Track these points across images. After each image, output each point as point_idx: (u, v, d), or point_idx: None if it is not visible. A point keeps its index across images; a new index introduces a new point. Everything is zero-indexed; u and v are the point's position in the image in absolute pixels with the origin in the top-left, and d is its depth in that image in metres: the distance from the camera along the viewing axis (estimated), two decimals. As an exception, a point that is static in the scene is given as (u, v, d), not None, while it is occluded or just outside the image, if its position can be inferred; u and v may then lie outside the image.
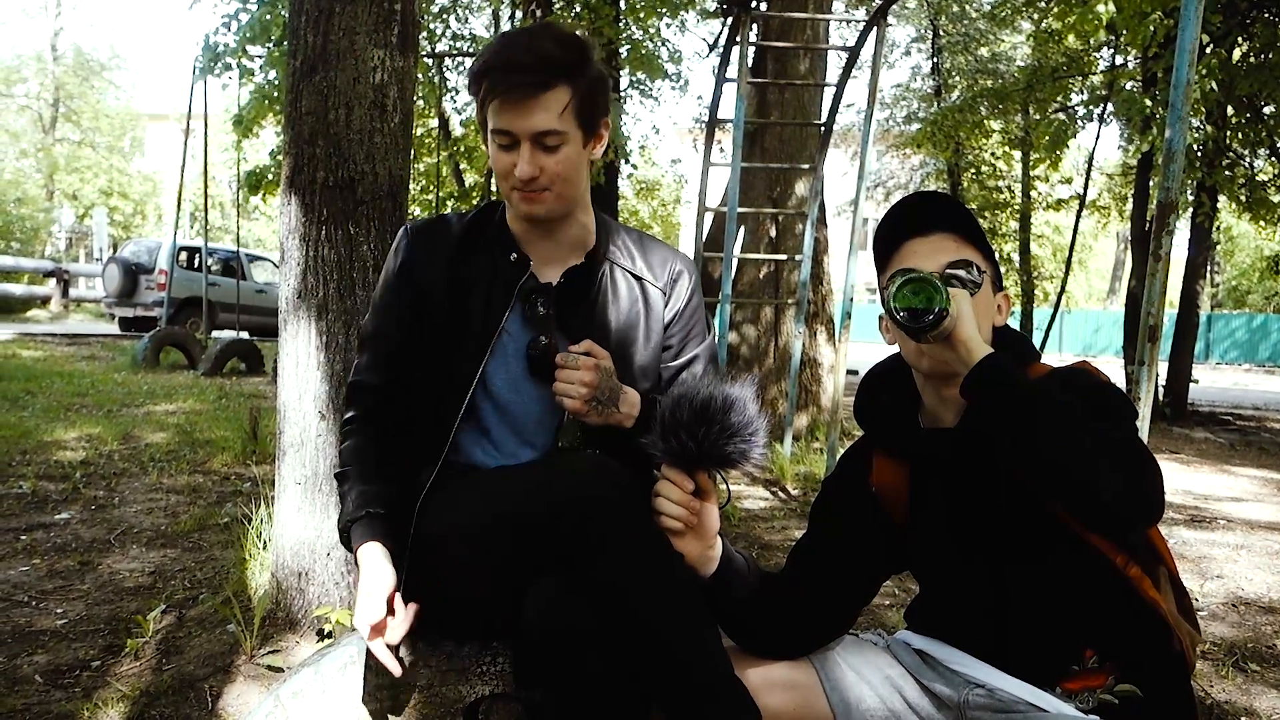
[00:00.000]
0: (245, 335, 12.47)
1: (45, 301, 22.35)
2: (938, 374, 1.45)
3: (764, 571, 1.66)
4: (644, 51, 12.03)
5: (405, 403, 1.70)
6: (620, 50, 10.86)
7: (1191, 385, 12.14)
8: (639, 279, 1.75)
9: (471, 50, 13.20)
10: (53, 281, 22.22)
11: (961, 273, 1.45)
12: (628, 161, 13.29)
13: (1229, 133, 10.99)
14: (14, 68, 35.69)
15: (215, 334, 13.67)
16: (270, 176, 10.76)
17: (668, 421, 1.40)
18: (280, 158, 10.39)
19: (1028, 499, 1.39)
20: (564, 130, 1.56)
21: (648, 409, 1.61)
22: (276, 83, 9.72)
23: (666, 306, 1.77)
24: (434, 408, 1.66)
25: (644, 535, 1.41)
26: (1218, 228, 18.72)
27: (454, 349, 1.66)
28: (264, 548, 3.09)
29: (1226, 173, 10.84)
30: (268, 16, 9.01)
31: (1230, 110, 10.78)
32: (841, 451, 5.72)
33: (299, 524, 2.76)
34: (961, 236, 1.48)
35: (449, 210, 13.32)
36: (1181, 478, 6.81)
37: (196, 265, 15.99)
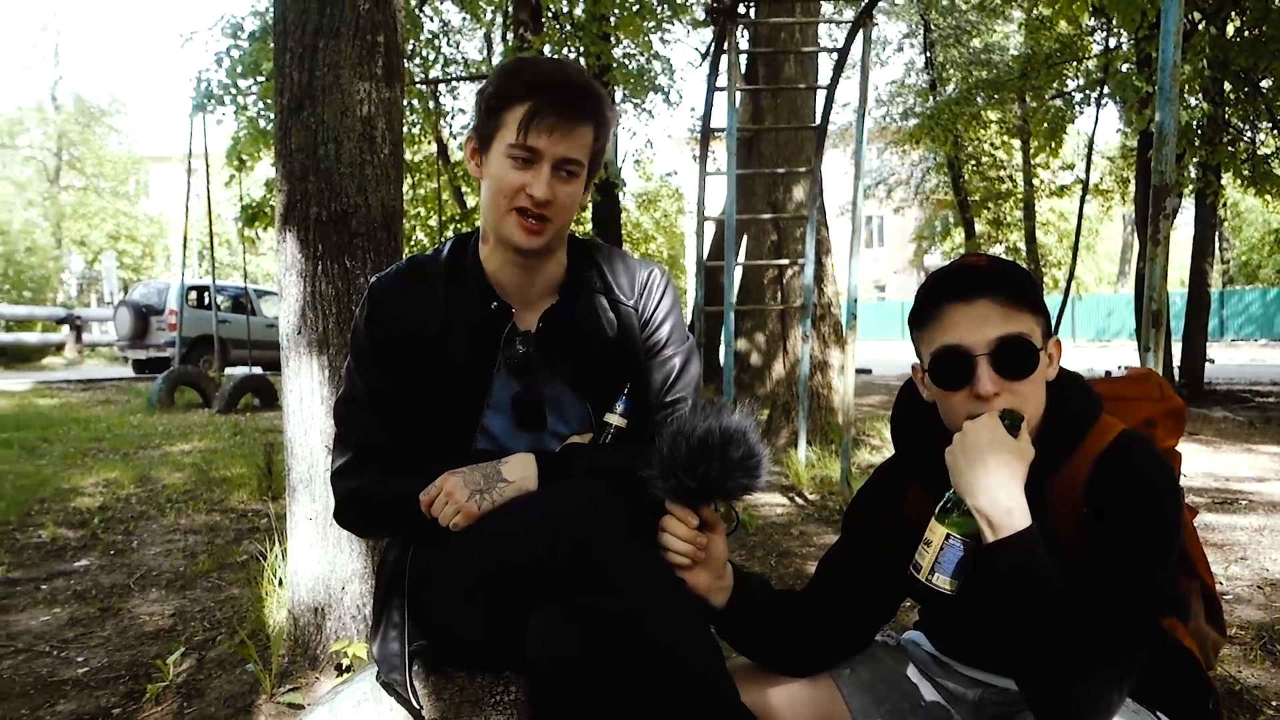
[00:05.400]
0: (258, 370, 12.53)
1: (60, 348, 22.53)
2: None
3: (781, 591, 1.64)
4: (630, 68, 12.08)
5: (412, 457, 1.65)
6: (610, 66, 10.90)
7: (1207, 364, 12.05)
8: (614, 302, 1.74)
9: (464, 75, 13.28)
10: (66, 328, 22.38)
11: (1006, 422, 1.35)
12: (619, 179, 13.29)
13: (1228, 109, 10.93)
14: (16, 119, 36.05)
15: (228, 371, 13.73)
16: (268, 211, 10.84)
17: (666, 460, 1.39)
18: (274, 191, 10.49)
19: (1056, 549, 1.34)
20: (583, 165, 1.58)
21: (644, 442, 1.56)
22: (271, 116, 9.82)
23: (639, 317, 1.75)
24: (437, 460, 1.61)
25: (643, 563, 1.40)
26: (1225, 204, 18.61)
27: (449, 405, 1.64)
28: (280, 585, 3.10)
29: (1229, 149, 10.78)
30: (258, 52, 9.10)
31: (1228, 86, 10.72)
32: (856, 456, 5.60)
33: (312, 559, 2.76)
34: (1007, 300, 1.37)
35: (450, 234, 13.37)
36: (1203, 459, 6.75)
37: (206, 303, 16.09)
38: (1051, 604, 1.24)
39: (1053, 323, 1.46)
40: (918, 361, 1.49)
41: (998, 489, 1.29)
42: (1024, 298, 1.37)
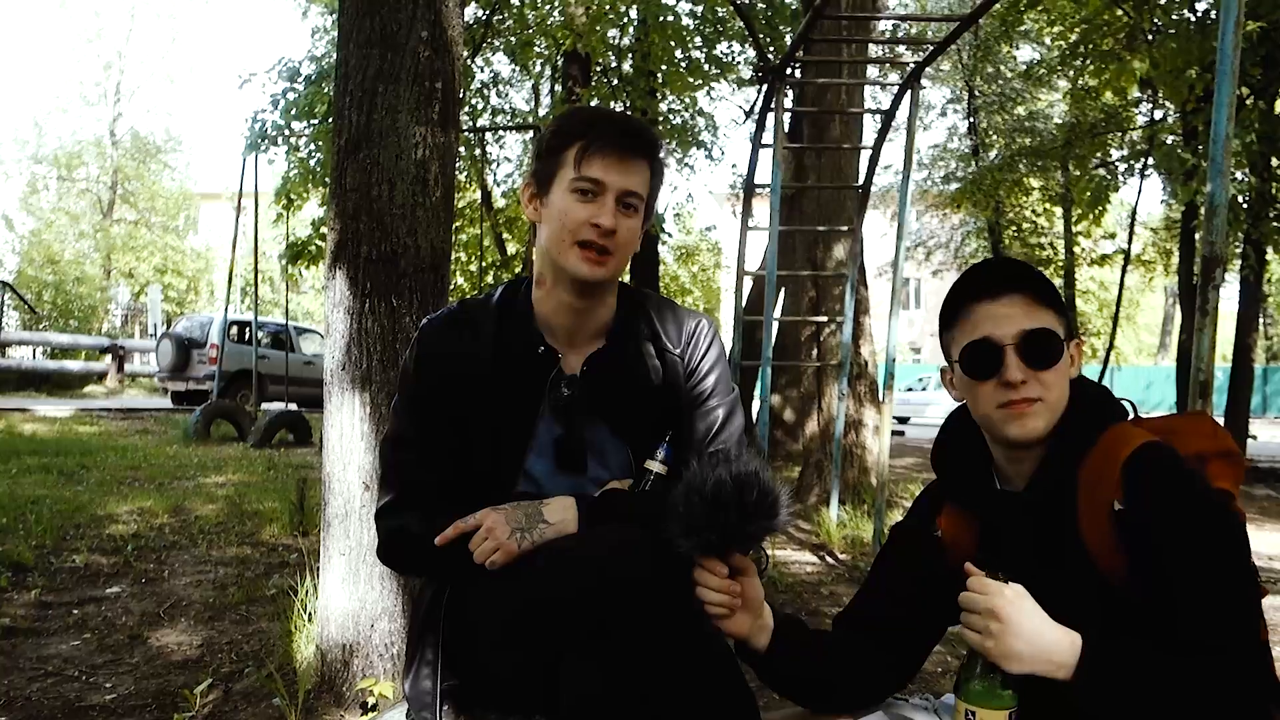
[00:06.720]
0: (294, 407, 12.62)
1: (102, 377, 22.86)
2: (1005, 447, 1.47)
3: (820, 631, 1.63)
4: (674, 123, 12.25)
5: (456, 498, 1.64)
6: (655, 120, 11.06)
7: (1250, 441, 11.83)
8: (660, 350, 1.75)
9: (511, 125, 13.52)
10: (109, 357, 22.75)
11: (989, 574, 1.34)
12: (662, 231, 13.45)
13: (1275, 184, 10.86)
14: (75, 153, 37.05)
15: (264, 406, 13.87)
16: (313, 250, 11.02)
17: (683, 516, 1.38)
18: (321, 230, 10.71)
19: (1093, 575, 1.34)
20: (643, 200, 1.64)
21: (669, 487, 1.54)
22: (321, 158, 10.03)
23: (685, 367, 1.76)
24: (479, 501, 1.61)
25: (680, 611, 1.39)
26: (1269, 279, 18.39)
27: (494, 446, 1.65)
28: (309, 620, 3.10)
29: (1274, 224, 10.68)
30: (313, 95, 9.34)
31: (1275, 161, 10.66)
32: (890, 514, 5.52)
33: (344, 596, 2.76)
34: (1032, 297, 1.44)
35: (490, 280, 13.52)
36: (1244, 537, 6.57)
37: (247, 339, 16.31)
38: (1157, 677, 1.24)
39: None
40: (945, 365, 1.54)
41: (1038, 637, 1.27)
42: (1046, 296, 1.45)
